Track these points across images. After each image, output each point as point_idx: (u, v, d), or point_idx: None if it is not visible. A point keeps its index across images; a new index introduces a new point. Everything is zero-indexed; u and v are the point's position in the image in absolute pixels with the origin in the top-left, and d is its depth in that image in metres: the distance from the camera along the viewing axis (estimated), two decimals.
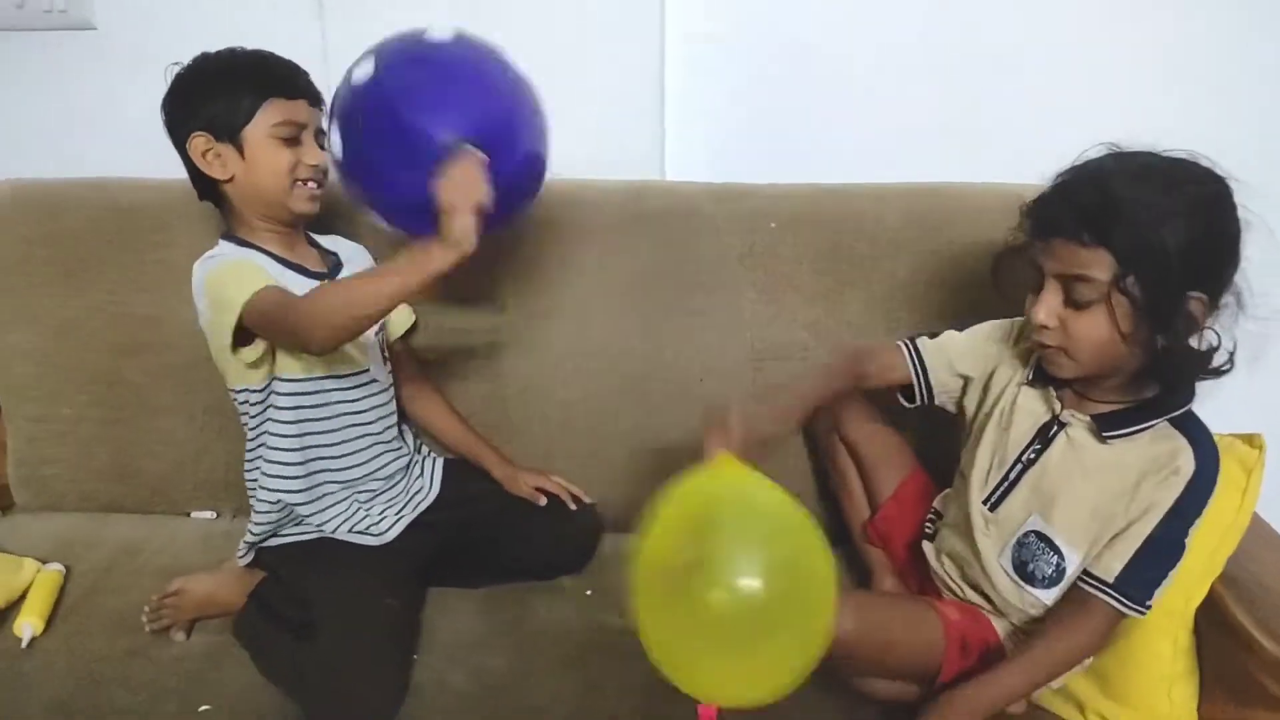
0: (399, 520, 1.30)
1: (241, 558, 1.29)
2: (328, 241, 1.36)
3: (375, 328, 1.31)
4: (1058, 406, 1.06)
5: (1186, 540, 0.98)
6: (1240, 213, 0.94)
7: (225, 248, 1.24)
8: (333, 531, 1.26)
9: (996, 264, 1.11)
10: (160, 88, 1.35)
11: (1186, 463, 0.98)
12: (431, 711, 1.10)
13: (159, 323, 1.46)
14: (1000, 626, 1.10)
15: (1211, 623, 1.08)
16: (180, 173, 1.49)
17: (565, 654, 1.19)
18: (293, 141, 1.21)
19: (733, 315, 1.43)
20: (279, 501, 1.24)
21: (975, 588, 1.12)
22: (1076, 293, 0.96)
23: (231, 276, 1.16)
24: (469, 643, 1.21)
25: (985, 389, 1.15)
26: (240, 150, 1.20)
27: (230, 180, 1.21)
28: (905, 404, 1.21)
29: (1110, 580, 0.99)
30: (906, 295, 1.39)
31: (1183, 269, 0.92)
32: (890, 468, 1.27)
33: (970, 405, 1.17)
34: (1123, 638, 1.07)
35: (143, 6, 1.56)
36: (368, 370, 1.30)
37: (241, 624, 1.22)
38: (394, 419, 1.36)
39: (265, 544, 1.27)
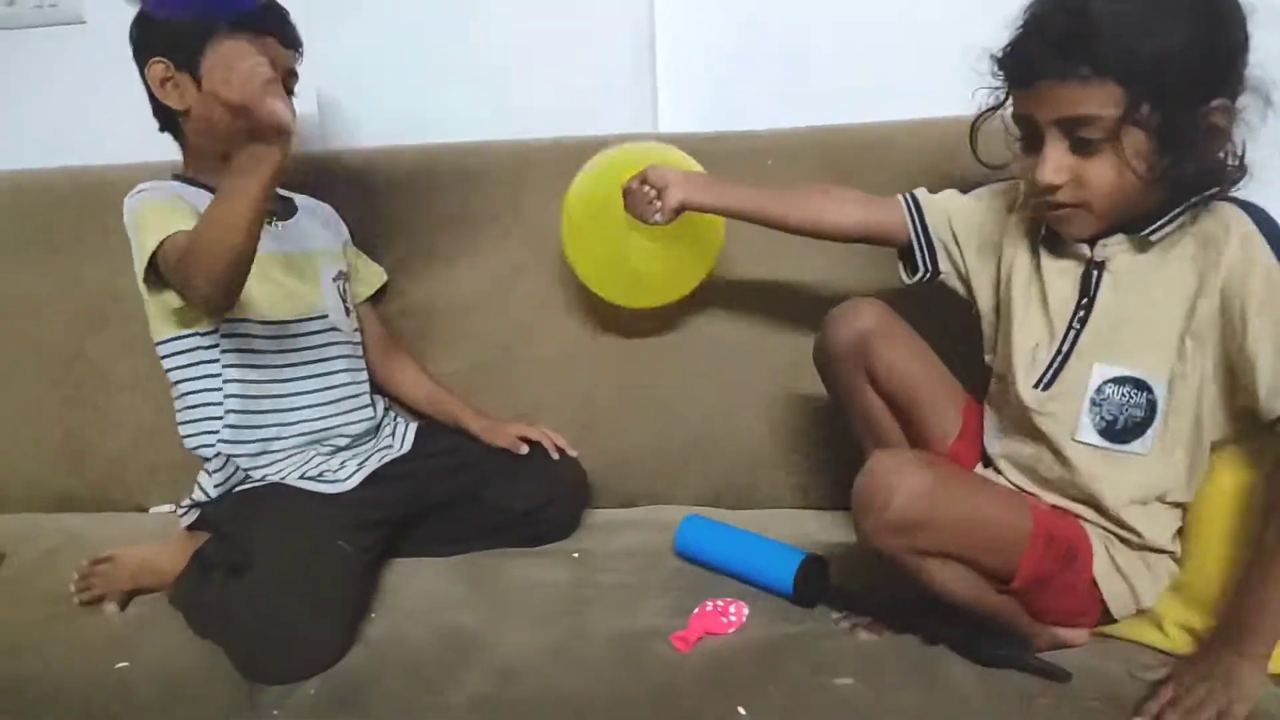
0: (360, 470, 1.16)
1: (183, 515, 1.15)
2: (292, 196, 1.28)
3: (332, 274, 1.23)
4: (1087, 250, 0.92)
5: None
6: None
7: (154, 185, 1.15)
8: (283, 478, 1.12)
9: (973, 132, 0.97)
10: None
11: (1247, 224, 0.85)
12: (384, 665, 0.93)
13: (121, 297, 1.36)
14: (1093, 534, 0.92)
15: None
16: (154, 155, 1.46)
17: (542, 611, 1.03)
18: None
19: (737, 254, 1.30)
20: (227, 461, 1.12)
21: (1066, 493, 0.94)
22: (1083, 135, 0.84)
23: (149, 218, 1.07)
24: (435, 602, 1.06)
25: (998, 268, 1.01)
26: (198, 80, 1.12)
27: (187, 112, 1.14)
28: (906, 279, 1.07)
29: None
30: None
31: (1193, 77, 0.81)
32: (942, 404, 1.04)
33: (983, 290, 1.03)
34: (1191, 540, 0.91)
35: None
36: (326, 316, 1.21)
37: (178, 585, 1.08)
38: (363, 376, 1.26)
39: (202, 498, 1.14)
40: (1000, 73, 0.90)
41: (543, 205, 1.32)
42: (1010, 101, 0.91)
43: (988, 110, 0.94)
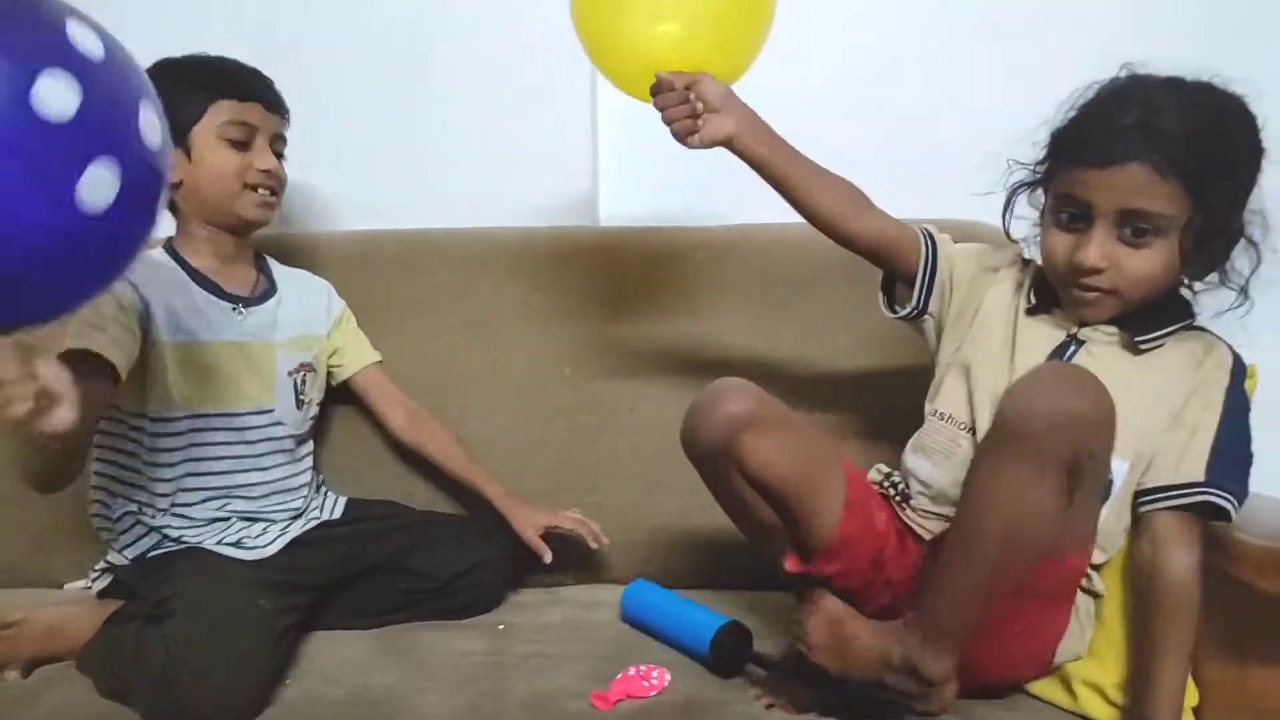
0: (282, 536, 1.16)
1: (95, 579, 1.13)
2: (283, 273, 1.30)
3: (290, 367, 1.23)
4: (1073, 328, 0.98)
5: (1250, 432, 0.93)
6: None
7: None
8: (200, 543, 1.12)
9: (1009, 203, 1.01)
10: None
11: (1224, 354, 0.94)
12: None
13: None
14: None
15: None
16: None
17: (460, 676, 1.02)
18: (243, 145, 1.17)
19: (662, 344, 1.37)
20: (136, 524, 1.12)
21: None
22: (1137, 227, 0.88)
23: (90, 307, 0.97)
24: (354, 667, 1.05)
25: (975, 320, 1.04)
26: (188, 152, 1.16)
27: (179, 185, 1.16)
28: (889, 311, 1.11)
29: (1201, 479, 0.89)
30: (841, 319, 1.34)
31: (1243, 189, 0.89)
32: (823, 486, 0.97)
33: (950, 340, 1.06)
34: (1106, 600, 0.95)
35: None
36: (272, 411, 1.21)
37: (87, 648, 1.05)
38: (303, 466, 1.26)
39: (118, 559, 1.13)
40: (1055, 151, 0.94)
41: (483, 292, 1.39)
42: (1054, 180, 0.95)
43: (1023, 185, 0.99)
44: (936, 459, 1.02)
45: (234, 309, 1.20)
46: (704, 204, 1.49)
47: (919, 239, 1.08)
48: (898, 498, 1.04)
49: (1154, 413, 0.93)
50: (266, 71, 1.24)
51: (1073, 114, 0.94)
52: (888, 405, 1.15)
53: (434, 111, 1.52)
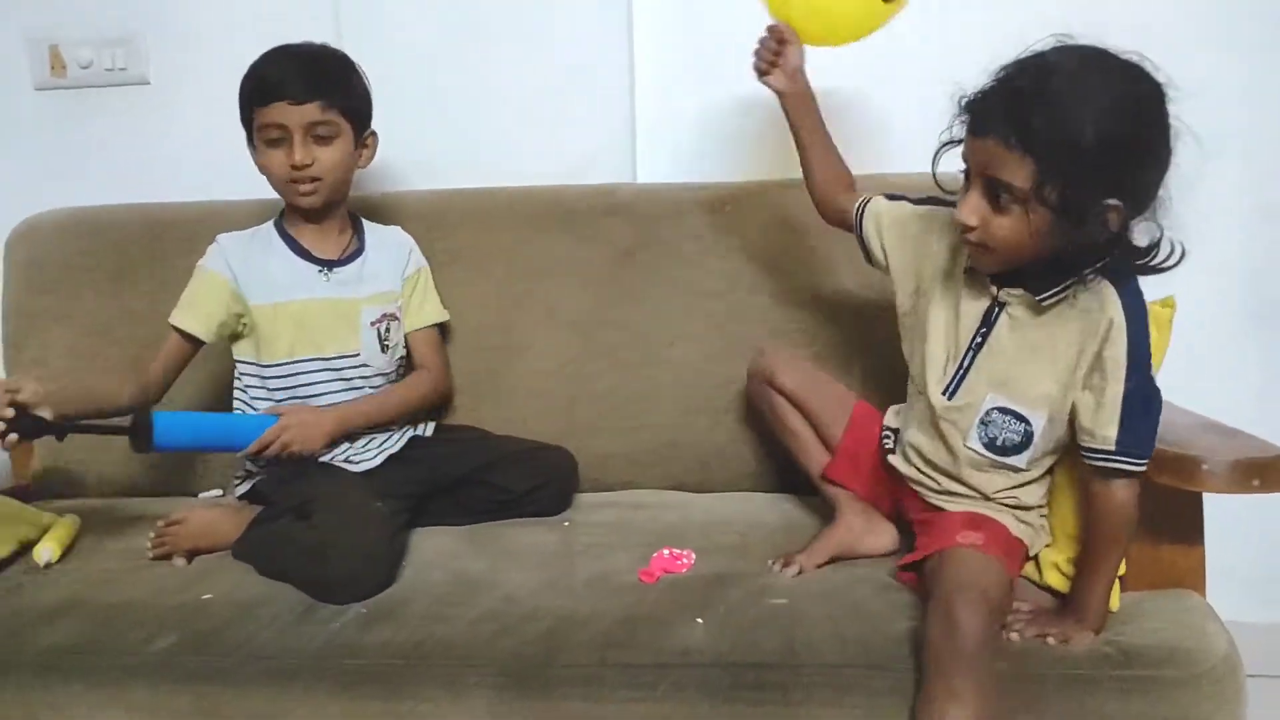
0: (381, 452, 1.42)
1: (238, 485, 1.40)
2: (375, 231, 1.52)
3: (372, 318, 1.46)
4: (994, 289, 1.10)
5: (1155, 384, 1.04)
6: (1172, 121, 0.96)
7: (225, 240, 1.44)
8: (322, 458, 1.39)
9: (936, 159, 1.11)
10: (204, 131, 1.62)
11: (1116, 309, 1.02)
12: (416, 593, 1.18)
13: None
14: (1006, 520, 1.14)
15: None
16: (208, 194, 1.74)
17: (537, 559, 1.27)
18: (278, 143, 1.35)
19: (696, 287, 1.59)
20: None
21: (953, 478, 1.16)
22: (998, 193, 0.99)
23: (192, 284, 1.42)
24: (450, 556, 1.29)
25: (918, 283, 1.20)
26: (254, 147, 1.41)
27: None
28: (865, 259, 1.30)
29: (1112, 448, 1.03)
30: (848, 260, 1.49)
31: (1099, 174, 0.94)
32: (834, 406, 1.31)
33: (902, 290, 1.22)
34: (1057, 489, 1.16)
35: (188, 64, 1.83)
36: (358, 354, 1.45)
37: (240, 542, 1.32)
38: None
39: (257, 477, 1.40)
40: (963, 115, 1.04)
41: (541, 245, 1.62)
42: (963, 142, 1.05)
43: (948, 143, 1.08)
44: (910, 412, 1.23)
45: (319, 271, 1.44)
46: (729, 163, 1.70)
47: (855, 204, 1.28)
48: (888, 443, 1.27)
49: (1061, 370, 1.06)
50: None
51: (982, 86, 1.02)
52: (891, 335, 1.32)
53: (489, 83, 1.73)
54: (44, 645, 1.11)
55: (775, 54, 1.29)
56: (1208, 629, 1.04)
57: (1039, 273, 1.05)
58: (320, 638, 1.09)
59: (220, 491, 1.61)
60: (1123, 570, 1.12)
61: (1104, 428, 1.03)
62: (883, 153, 1.58)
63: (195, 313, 1.40)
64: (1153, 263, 1.02)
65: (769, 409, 1.37)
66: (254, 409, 1.43)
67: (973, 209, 1.02)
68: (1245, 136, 1.61)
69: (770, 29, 1.29)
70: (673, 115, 1.72)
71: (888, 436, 1.28)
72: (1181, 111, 0.98)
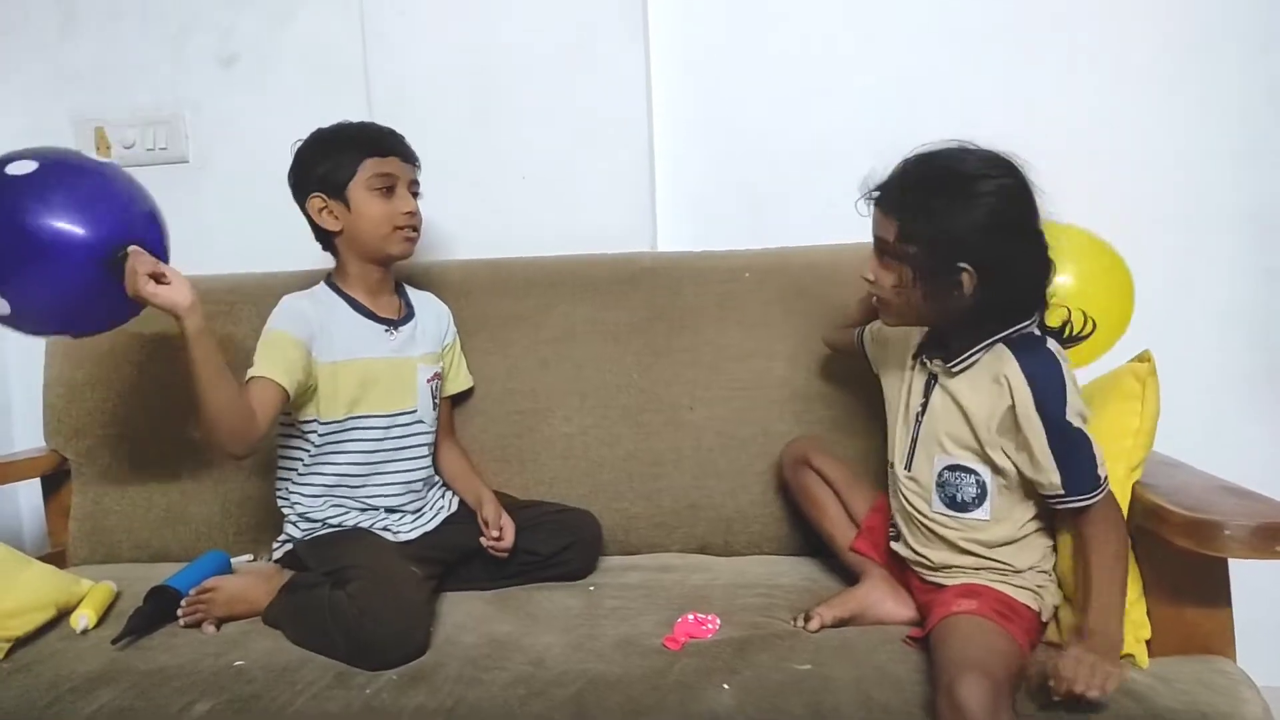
0: (416, 527, 1.46)
1: (277, 550, 1.43)
2: (417, 296, 1.59)
3: (428, 376, 1.52)
4: (925, 360, 1.24)
5: (1076, 424, 1.11)
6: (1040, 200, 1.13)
7: (295, 299, 1.46)
8: (357, 524, 1.42)
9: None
10: (240, 206, 1.67)
11: (1013, 370, 1.13)
12: (447, 657, 1.20)
13: None
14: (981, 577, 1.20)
15: (1137, 524, 1.17)
16: (246, 266, 1.80)
17: (564, 623, 1.29)
18: (388, 192, 1.44)
19: (716, 352, 1.63)
20: (309, 517, 1.42)
21: (940, 548, 1.23)
22: (882, 250, 1.17)
23: (262, 345, 1.39)
24: (480, 619, 1.32)
25: (889, 377, 1.34)
26: (347, 204, 1.44)
27: (340, 232, 1.46)
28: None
29: (1062, 491, 1.12)
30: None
31: (951, 239, 1.10)
32: (862, 488, 1.42)
33: (887, 392, 1.35)
34: (1062, 547, 1.18)
35: (224, 143, 1.92)
36: (414, 411, 1.50)
37: (271, 608, 1.34)
38: (431, 458, 1.54)
39: (296, 537, 1.43)
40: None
41: (564, 311, 1.66)
42: None
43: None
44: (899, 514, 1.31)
45: (385, 330, 1.49)
46: (747, 231, 1.75)
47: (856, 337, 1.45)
48: (892, 532, 1.33)
49: (980, 424, 1.17)
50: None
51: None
52: None
53: (513, 158, 1.80)
54: (84, 714, 1.13)
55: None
56: (1241, 694, 1.05)
57: (951, 343, 1.20)
58: (356, 703, 1.11)
59: (252, 557, 1.64)
60: (1149, 633, 1.13)
61: (1048, 475, 1.12)
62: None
63: (278, 369, 1.36)
64: (1068, 334, 1.19)
65: (801, 488, 1.46)
66: (298, 469, 1.45)
67: (870, 266, 1.20)
68: (1255, 199, 1.66)
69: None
70: (690, 186, 1.78)
71: (893, 526, 1.33)
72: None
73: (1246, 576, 1.13)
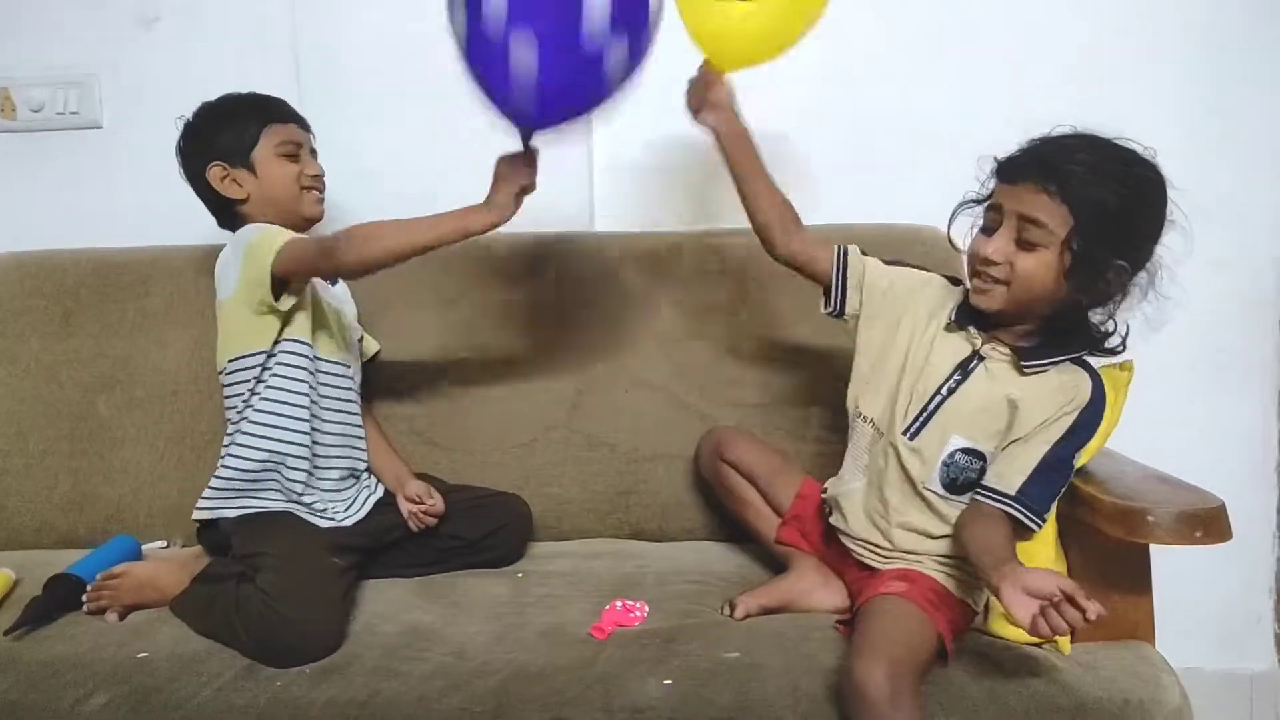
0: (357, 512, 1.40)
1: (200, 512, 1.35)
2: None
3: (357, 335, 1.51)
4: (978, 343, 1.18)
5: (1074, 462, 1.12)
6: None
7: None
8: (289, 509, 1.34)
9: (954, 214, 1.21)
10: (156, 176, 1.58)
11: (1085, 391, 1.12)
12: (364, 648, 1.15)
13: (131, 362, 1.62)
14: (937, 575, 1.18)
15: (1067, 513, 1.18)
16: (160, 238, 1.71)
17: (489, 611, 1.26)
18: (293, 157, 1.43)
19: (653, 333, 1.60)
20: (248, 465, 1.32)
21: (904, 528, 1.20)
22: (1029, 234, 1.08)
23: (263, 235, 1.32)
24: (401, 608, 1.27)
25: (893, 333, 1.25)
26: (253, 170, 1.41)
27: (247, 199, 1.42)
28: (823, 309, 1.31)
29: (1011, 493, 1.10)
30: (800, 308, 1.51)
31: (1116, 233, 1.06)
32: (787, 475, 1.38)
33: (870, 344, 1.27)
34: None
35: (142, 108, 1.82)
36: (349, 366, 1.45)
37: (181, 597, 1.28)
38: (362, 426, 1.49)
39: (225, 512, 1.33)
40: (996, 172, 1.15)
41: (498, 290, 1.61)
42: (992, 196, 1.15)
43: (971, 201, 1.19)
44: (859, 477, 1.26)
45: (333, 283, 1.49)
46: (682, 212, 1.72)
47: (833, 252, 1.29)
48: (829, 513, 1.30)
49: (1022, 424, 1.13)
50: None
51: (1015, 150, 1.14)
52: (841, 378, 1.34)
53: (444, 133, 1.72)
54: None
55: (705, 89, 1.28)
56: (1161, 680, 1.06)
57: (1025, 335, 1.16)
58: (264, 696, 1.06)
59: (165, 543, 1.57)
60: None
61: (1011, 478, 1.12)
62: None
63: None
64: (1109, 346, 1.15)
65: (720, 482, 1.43)
66: (259, 392, 1.35)
67: (999, 246, 1.11)
68: (1198, 192, 1.66)
69: (699, 68, 1.29)
70: (627, 167, 1.74)
71: (826, 505, 1.31)
72: None
73: (1163, 562, 1.15)
